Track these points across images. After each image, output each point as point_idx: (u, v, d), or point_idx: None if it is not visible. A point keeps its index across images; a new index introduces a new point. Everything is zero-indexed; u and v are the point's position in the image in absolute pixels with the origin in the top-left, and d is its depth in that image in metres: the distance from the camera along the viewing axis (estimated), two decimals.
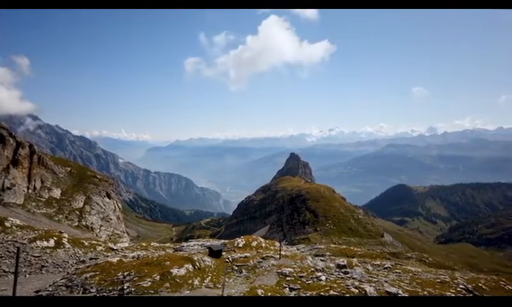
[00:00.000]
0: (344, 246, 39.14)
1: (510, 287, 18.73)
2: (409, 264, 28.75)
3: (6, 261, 19.06)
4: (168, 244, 33.87)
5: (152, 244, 31.82)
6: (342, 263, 21.99)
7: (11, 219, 27.89)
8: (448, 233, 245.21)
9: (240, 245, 26.62)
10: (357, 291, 14.84)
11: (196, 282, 16.33)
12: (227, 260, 21.26)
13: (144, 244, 31.62)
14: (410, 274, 20.27)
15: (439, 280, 18.28)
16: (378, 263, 24.11)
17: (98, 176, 69.23)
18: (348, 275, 19.29)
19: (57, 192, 56.65)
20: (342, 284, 16.02)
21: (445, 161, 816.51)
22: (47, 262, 20.08)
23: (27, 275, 17.97)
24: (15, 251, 19.66)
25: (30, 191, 52.57)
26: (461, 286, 17.18)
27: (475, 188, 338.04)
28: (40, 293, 14.65)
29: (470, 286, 17.40)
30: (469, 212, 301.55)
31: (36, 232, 24.94)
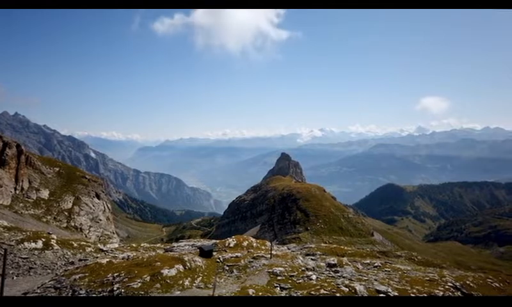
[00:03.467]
0: (334, 245, 39.38)
1: (497, 284, 19.10)
2: (399, 262, 29.07)
3: None
4: (158, 245, 33.64)
5: (142, 245, 31.55)
6: (333, 262, 22.14)
7: None
8: (436, 231, 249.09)
9: (231, 245, 26.60)
10: (347, 289, 14.96)
11: (186, 282, 16.25)
12: (218, 260, 21.22)
13: (134, 245, 31.34)
14: (399, 272, 20.50)
15: (428, 278, 18.53)
16: (368, 261, 24.33)
17: (87, 177, 68.31)
18: (338, 274, 19.45)
19: (45, 193, 55.74)
20: (332, 283, 16.14)
21: (434, 160, 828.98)
22: (35, 264, 19.75)
23: (15, 277, 17.65)
24: (2, 253, 19.30)
25: (17, 192, 51.60)
26: (449, 284, 17.45)
27: (462, 187, 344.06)
28: (27, 295, 14.44)
29: (458, 283, 17.68)
30: (457, 211, 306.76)
31: (23, 233, 24.53)
